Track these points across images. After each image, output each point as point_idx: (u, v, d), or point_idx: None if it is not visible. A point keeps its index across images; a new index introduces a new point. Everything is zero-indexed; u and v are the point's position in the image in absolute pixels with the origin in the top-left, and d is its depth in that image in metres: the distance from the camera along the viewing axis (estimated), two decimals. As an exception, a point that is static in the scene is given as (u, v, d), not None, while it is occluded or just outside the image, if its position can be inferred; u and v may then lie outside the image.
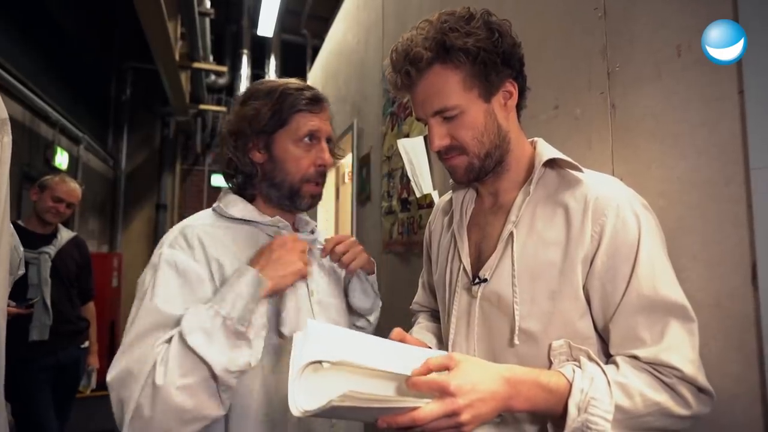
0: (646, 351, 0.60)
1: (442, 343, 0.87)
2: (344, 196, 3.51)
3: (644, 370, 0.60)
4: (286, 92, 0.86)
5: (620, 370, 0.60)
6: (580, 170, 0.71)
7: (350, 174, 3.00)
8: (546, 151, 0.73)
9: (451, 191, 0.90)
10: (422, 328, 0.96)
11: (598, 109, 0.92)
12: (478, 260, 0.77)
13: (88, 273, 2.49)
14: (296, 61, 7.04)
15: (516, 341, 0.68)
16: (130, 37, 5.60)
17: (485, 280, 0.74)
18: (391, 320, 2.03)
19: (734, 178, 0.67)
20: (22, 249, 1.67)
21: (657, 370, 0.59)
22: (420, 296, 1.06)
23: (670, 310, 0.61)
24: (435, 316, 1.00)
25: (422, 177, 1.61)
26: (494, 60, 0.68)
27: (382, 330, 2.20)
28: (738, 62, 0.67)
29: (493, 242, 0.75)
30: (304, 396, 0.57)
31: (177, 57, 4.54)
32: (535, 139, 0.79)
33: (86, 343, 2.43)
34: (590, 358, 0.63)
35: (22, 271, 1.68)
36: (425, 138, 1.66)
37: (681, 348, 0.59)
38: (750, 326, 0.65)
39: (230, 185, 0.93)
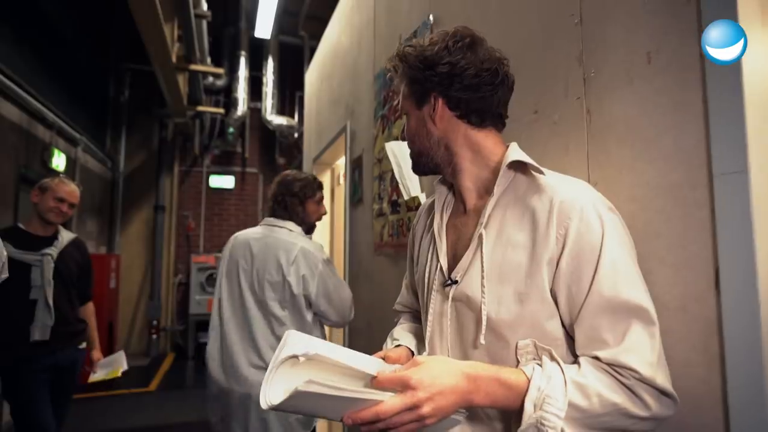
0: (607, 352, 0.61)
1: (422, 343, 0.88)
2: (338, 198, 3.53)
3: (604, 371, 0.61)
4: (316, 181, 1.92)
5: (581, 370, 0.62)
6: (542, 173, 0.72)
7: (344, 175, 3.01)
8: (512, 154, 0.75)
9: (430, 197, 0.94)
10: (403, 329, 0.98)
11: (574, 114, 0.94)
12: (454, 261, 0.80)
13: (88, 274, 2.52)
14: (294, 62, 7.07)
15: (482, 341, 0.70)
16: (128, 38, 5.62)
17: (456, 282, 0.76)
18: (382, 321, 2.05)
19: (699, 183, 0.69)
20: (5, 253, 1.68)
21: (616, 371, 0.61)
22: (403, 297, 1.08)
23: (632, 313, 0.62)
24: (416, 316, 1.02)
25: (410, 180, 1.62)
26: (418, 77, 0.79)
27: (372, 328, 2.21)
28: (702, 70, 0.69)
29: (466, 244, 0.78)
30: (276, 390, 0.59)
31: (174, 59, 4.55)
32: (510, 143, 0.81)
33: (83, 345, 2.45)
34: (552, 358, 0.64)
35: (5, 275, 1.69)
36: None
37: (640, 350, 0.60)
38: (713, 330, 0.66)
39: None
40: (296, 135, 7.09)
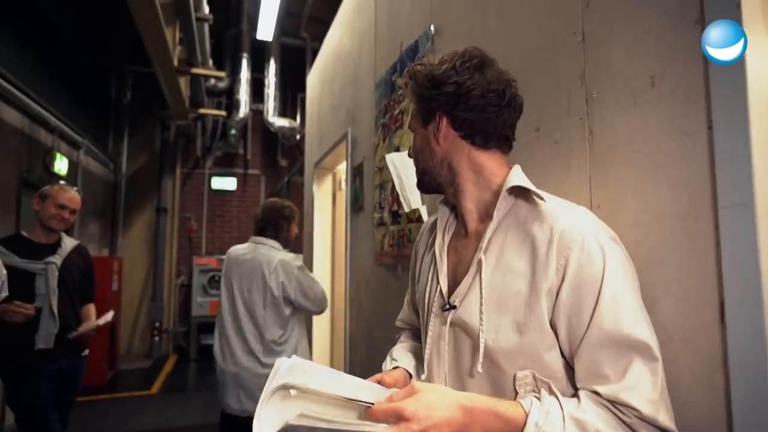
0: (607, 388, 0.60)
1: (422, 364, 0.88)
2: (340, 203, 3.52)
3: (604, 407, 0.60)
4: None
5: (580, 406, 0.60)
6: (542, 199, 0.71)
7: (345, 181, 3.00)
8: (513, 178, 0.73)
9: (434, 215, 0.94)
10: (403, 348, 0.97)
11: (577, 134, 0.92)
12: (453, 284, 0.79)
13: (91, 281, 2.52)
14: (296, 64, 7.05)
15: (479, 369, 0.69)
16: (129, 39, 5.61)
17: (454, 307, 0.75)
18: (382, 330, 2.04)
19: (704, 214, 0.67)
20: (4, 272, 1.68)
21: (617, 407, 0.59)
22: (405, 313, 1.07)
23: (633, 348, 0.61)
24: (417, 334, 1.01)
25: (410, 192, 1.61)
26: (425, 96, 0.79)
27: (372, 337, 2.20)
28: (707, 98, 0.67)
29: (466, 268, 0.77)
30: (270, 420, 0.59)
31: (176, 63, 4.55)
32: (513, 166, 0.79)
33: (86, 352, 2.45)
34: (551, 391, 0.63)
35: (5, 293, 1.69)
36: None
37: (641, 387, 0.59)
38: (718, 364, 0.65)
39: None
40: (298, 137, 7.08)
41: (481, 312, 0.70)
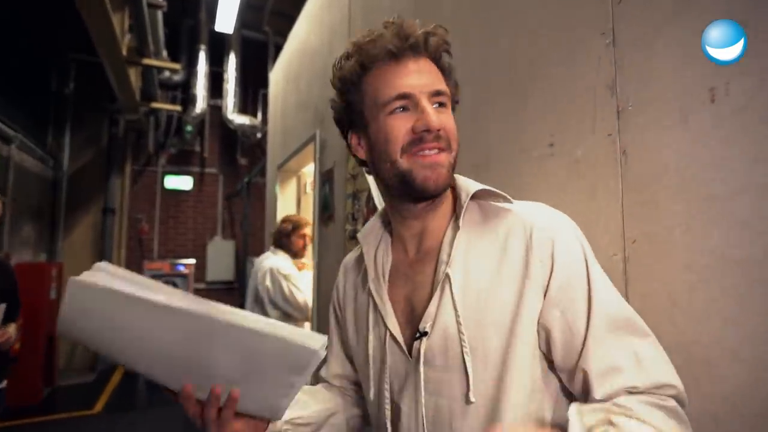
0: (636, 377, 0.53)
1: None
2: (306, 208, 3.30)
3: (654, 405, 0.52)
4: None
5: (650, 419, 0.50)
6: (509, 201, 0.65)
7: (312, 183, 2.80)
8: (469, 183, 0.66)
9: (355, 249, 0.80)
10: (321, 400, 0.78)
11: (604, 153, 0.78)
12: (412, 315, 0.66)
13: (14, 298, 2.16)
14: (257, 58, 6.72)
15: (472, 398, 0.58)
16: (73, 26, 5.12)
17: (425, 333, 0.62)
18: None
19: (791, 264, 0.54)
20: None
21: (657, 395, 0.53)
22: (336, 366, 0.83)
23: (635, 329, 0.57)
24: (351, 394, 0.84)
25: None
26: (452, 67, 0.69)
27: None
28: (795, 117, 0.54)
29: (428, 290, 0.65)
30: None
31: (124, 52, 4.16)
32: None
33: (4, 383, 2.12)
34: (630, 417, 0.50)
35: None
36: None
37: (661, 362, 0.55)
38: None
39: None
40: (259, 135, 6.75)
41: (460, 332, 0.60)
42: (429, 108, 0.62)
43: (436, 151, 0.62)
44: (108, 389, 5.24)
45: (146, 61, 4.57)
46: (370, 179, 1.51)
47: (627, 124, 0.74)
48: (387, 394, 0.66)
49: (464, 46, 1.19)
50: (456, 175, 0.68)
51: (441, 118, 0.62)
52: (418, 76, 0.63)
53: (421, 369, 0.62)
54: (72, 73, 6.10)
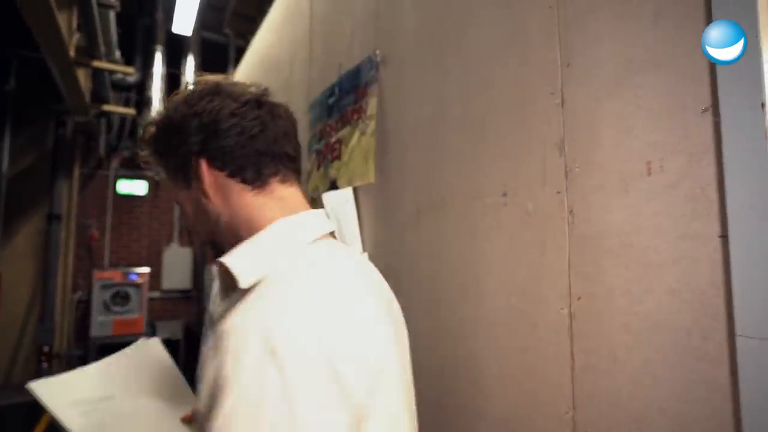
0: None
1: None
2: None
3: None
4: None
5: None
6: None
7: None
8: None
9: None
10: None
11: (553, 210, 0.81)
12: None
13: None
14: (217, 61, 6.52)
15: None
16: (14, 19, 4.80)
17: None
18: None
19: (715, 337, 0.58)
20: None
21: None
22: None
23: None
24: None
25: (350, 236, 1.44)
26: (171, 145, 0.65)
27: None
28: (721, 197, 0.58)
29: None
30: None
31: (72, 53, 3.94)
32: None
33: None
34: None
35: None
36: (355, 190, 1.49)
37: None
38: None
39: None
40: (219, 139, 6.57)
41: None
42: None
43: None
44: (51, 408, 4.92)
45: (96, 63, 4.35)
46: (331, 207, 1.50)
47: (574, 185, 0.77)
48: None
49: (420, 84, 1.20)
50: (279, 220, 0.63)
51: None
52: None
53: None
54: (13, 69, 5.71)
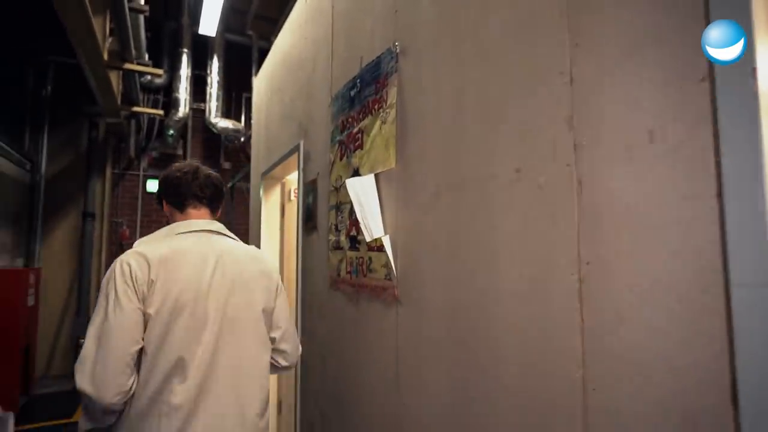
0: None
1: None
2: (289, 215, 3.34)
3: None
4: None
5: None
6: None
7: (296, 191, 2.84)
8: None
9: None
10: None
11: (563, 182, 0.86)
12: None
13: None
14: (241, 62, 6.72)
15: None
16: (51, 28, 5.05)
17: None
18: (335, 356, 1.91)
19: (713, 289, 0.62)
20: None
21: None
22: None
23: None
24: None
25: (372, 220, 1.50)
26: (159, 191, 1.43)
27: (325, 363, 2.06)
28: (717, 160, 0.62)
29: None
30: None
31: (105, 56, 4.14)
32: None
33: None
34: None
35: None
36: (376, 176, 1.56)
37: None
38: (730, 451, 0.60)
39: None
40: (243, 139, 6.74)
41: None
42: None
43: None
44: (88, 396, 5.16)
45: (128, 66, 4.55)
46: (354, 192, 1.57)
47: (582, 157, 0.82)
48: None
49: (438, 73, 1.26)
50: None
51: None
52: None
53: None
54: (50, 75, 6.00)
